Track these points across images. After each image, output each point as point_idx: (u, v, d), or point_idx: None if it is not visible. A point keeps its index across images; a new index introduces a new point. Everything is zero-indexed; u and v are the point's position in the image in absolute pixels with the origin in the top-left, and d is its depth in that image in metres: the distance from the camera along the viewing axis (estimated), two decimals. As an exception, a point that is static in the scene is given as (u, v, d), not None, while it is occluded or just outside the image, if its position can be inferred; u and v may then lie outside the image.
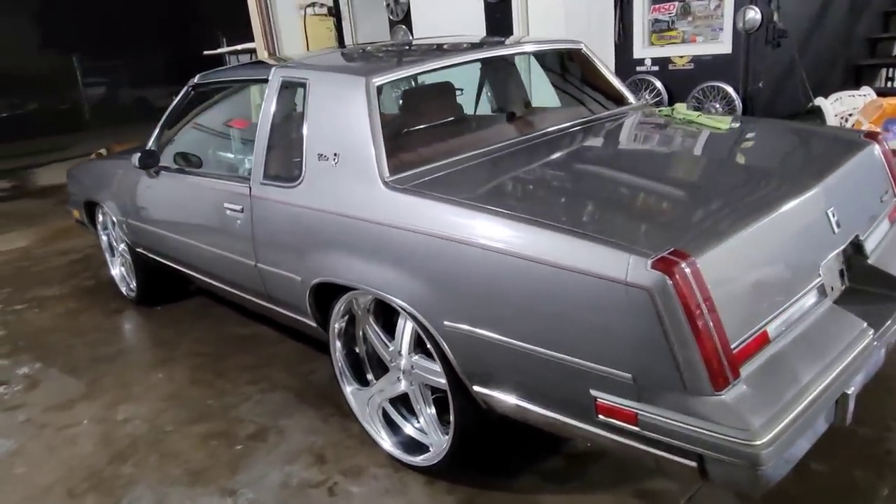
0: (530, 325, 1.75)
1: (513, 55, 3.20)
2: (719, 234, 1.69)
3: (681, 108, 2.85)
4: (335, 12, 6.85)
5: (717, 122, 2.72)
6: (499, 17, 5.20)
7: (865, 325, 1.83)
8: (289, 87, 2.61)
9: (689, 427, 1.53)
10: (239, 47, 8.45)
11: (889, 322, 1.92)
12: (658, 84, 4.95)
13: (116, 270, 4.03)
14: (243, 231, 2.61)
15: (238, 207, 2.62)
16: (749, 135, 2.73)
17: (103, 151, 7.47)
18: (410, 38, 6.20)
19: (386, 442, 2.32)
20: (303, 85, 2.49)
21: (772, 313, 1.72)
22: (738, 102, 4.51)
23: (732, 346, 1.59)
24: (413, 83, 3.18)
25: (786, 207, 1.88)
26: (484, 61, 3.10)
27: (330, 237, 2.27)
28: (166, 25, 16.91)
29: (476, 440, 2.19)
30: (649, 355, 1.56)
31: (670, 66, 4.93)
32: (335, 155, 2.28)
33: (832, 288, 1.97)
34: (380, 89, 2.32)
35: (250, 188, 2.56)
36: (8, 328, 3.79)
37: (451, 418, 2.07)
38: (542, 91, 3.39)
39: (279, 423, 2.58)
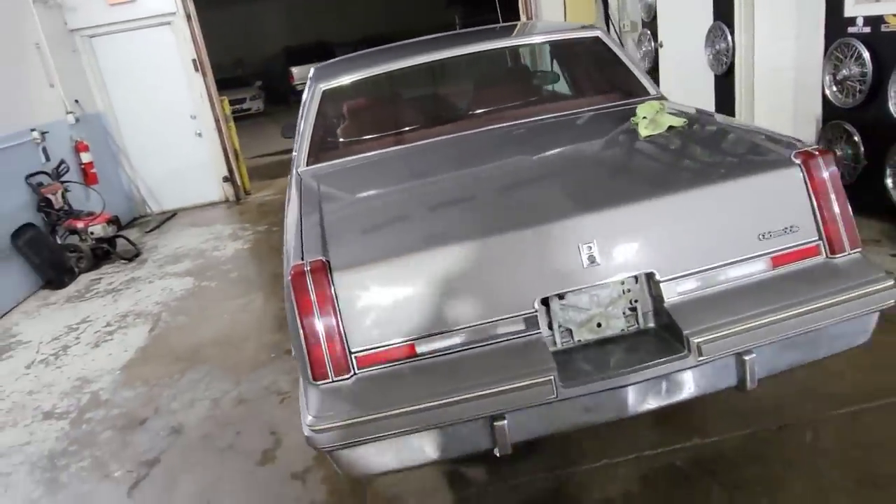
0: None
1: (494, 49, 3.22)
2: (376, 255, 1.92)
3: (649, 108, 2.62)
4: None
5: (659, 123, 2.50)
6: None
7: (551, 366, 1.81)
8: None
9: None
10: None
11: (606, 373, 1.83)
12: (864, 51, 4.01)
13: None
14: None
15: None
16: (660, 142, 2.45)
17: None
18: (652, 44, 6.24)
19: None
20: None
21: (421, 332, 1.88)
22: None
23: (353, 350, 1.87)
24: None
25: (494, 240, 1.93)
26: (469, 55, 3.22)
27: None
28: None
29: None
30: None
31: (883, 27, 3.93)
32: None
33: (560, 326, 1.94)
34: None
35: None
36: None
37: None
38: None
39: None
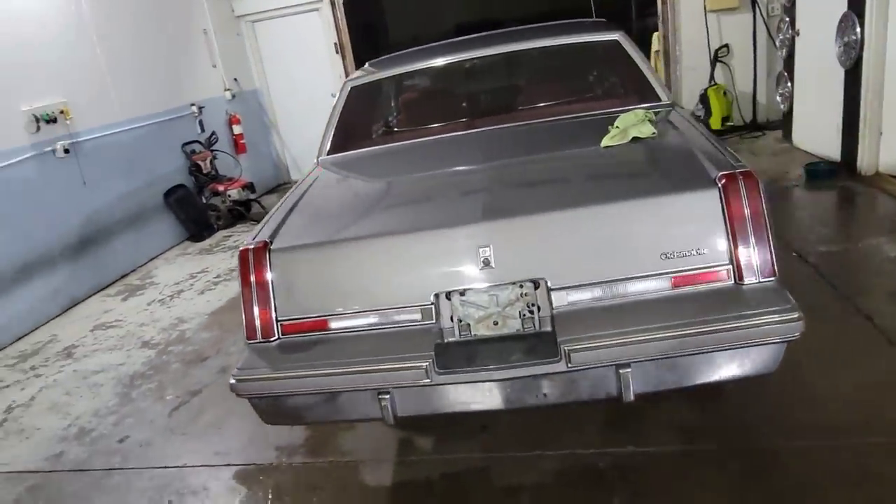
0: None
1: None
2: (307, 242, 2.25)
3: (632, 117, 2.63)
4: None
5: (626, 134, 2.53)
6: None
7: (429, 354, 2.02)
8: None
9: None
10: None
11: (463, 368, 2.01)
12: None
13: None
14: None
15: None
16: (611, 153, 2.49)
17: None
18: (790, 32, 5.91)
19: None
20: None
21: (335, 311, 2.19)
22: None
23: (279, 318, 2.22)
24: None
25: (403, 238, 2.18)
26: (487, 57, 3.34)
27: None
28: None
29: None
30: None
31: None
32: None
33: (460, 320, 2.14)
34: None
35: None
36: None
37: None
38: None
39: None
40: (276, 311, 2.20)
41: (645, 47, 7.88)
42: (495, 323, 2.13)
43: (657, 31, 7.74)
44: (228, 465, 2.83)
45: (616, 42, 3.08)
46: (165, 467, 2.90)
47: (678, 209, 2.06)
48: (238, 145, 7.84)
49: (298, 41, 8.34)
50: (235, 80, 7.99)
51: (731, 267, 2.00)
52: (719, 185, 2.01)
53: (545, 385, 2.02)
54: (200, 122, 7.16)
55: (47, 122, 5.06)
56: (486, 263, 2.06)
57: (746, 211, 1.99)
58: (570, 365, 1.92)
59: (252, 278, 2.21)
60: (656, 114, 2.78)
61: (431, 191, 2.52)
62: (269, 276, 2.21)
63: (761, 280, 1.99)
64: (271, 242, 2.25)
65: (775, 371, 1.99)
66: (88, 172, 5.44)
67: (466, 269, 2.08)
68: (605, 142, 2.51)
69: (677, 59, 7.43)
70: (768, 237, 1.99)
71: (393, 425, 2.14)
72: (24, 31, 5.04)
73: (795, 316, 1.87)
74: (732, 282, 2.00)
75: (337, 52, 8.22)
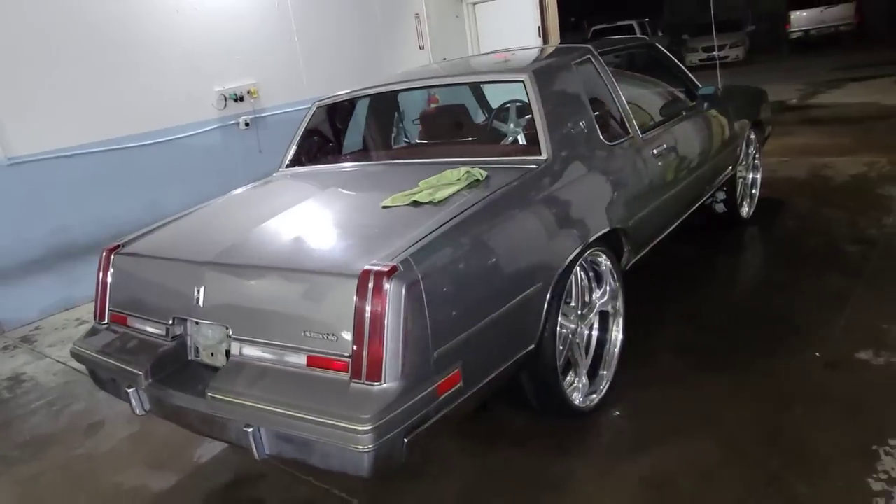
0: None
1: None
2: (134, 250, 2.74)
3: (449, 175, 2.47)
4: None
5: (410, 196, 2.46)
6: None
7: (145, 365, 2.41)
8: None
9: None
10: None
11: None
12: None
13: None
14: None
15: None
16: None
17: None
18: None
19: None
20: None
21: (128, 311, 2.67)
22: None
23: (110, 307, 2.81)
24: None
25: (162, 262, 2.55)
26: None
27: None
28: None
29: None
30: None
31: None
32: None
33: (194, 344, 2.46)
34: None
35: None
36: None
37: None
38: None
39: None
40: (109, 301, 2.78)
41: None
42: (212, 354, 2.39)
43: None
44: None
45: (521, 83, 2.80)
46: None
47: (325, 290, 2.04)
48: (434, 122, 8.48)
49: (511, 23, 8.51)
50: (444, 59, 8.56)
51: (349, 361, 1.94)
52: (358, 277, 1.94)
53: (201, 418, 2.25)
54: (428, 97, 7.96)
55: (235, 100, 6.34)
56: (198, 301, 2.33)
57: (369, 310, 1.89)
58: (209, 410, 2.14)
59: (100, 272, 2.82)
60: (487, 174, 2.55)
61: (231, 221, 2.79)
62: (109, 273, 2.79)
63: (365, 382, 1.89)
64: (122, 247, 2.81)
65: (370, 476, 1.91)
66: (265, 142, 6.65)
67: (190, 303, 2.37)
68: (387, 202, 2.45)
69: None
70: (384, 341, 1.87)
71: (141, 415, 2.56)
72: (224, 26, 6.32)
73: (361, 429, 1.79)
74: (348, 376, 1.94)
75: (539, 36, 8.19)
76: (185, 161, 6.03)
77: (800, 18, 17.76)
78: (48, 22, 5.14)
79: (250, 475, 2.74)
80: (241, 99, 6.39)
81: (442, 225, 2.16)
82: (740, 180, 4.65)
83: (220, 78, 6.29)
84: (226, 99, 6.29)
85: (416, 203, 2.40)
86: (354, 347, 1.92)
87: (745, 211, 4.82)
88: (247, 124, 6.48)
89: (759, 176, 5.02)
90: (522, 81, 2.81)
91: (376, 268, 1.92)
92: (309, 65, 7.01)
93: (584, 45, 3.20)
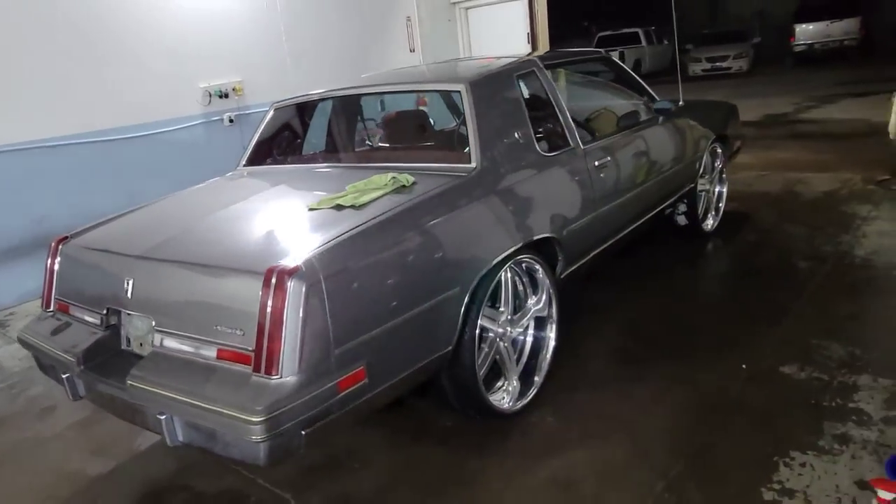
0: None
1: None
2: (83, 242, 2.83)
3: (377, 181, 2.56)
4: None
5: (334, 200, 2.55)
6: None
7: (78, 353, 2.51)
8: None
9: None
10: None
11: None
12: None
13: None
14: None
15: None
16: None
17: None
18: None
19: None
20: None
21: (72, 300, 2.77)
22: None
23: (55, 296, 2.91)
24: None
25: (100, 253, 2.65)
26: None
27: None
28: None
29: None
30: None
31: None
32: None
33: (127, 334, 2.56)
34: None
35: None
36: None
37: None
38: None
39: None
40: (55, 290, 2.89)
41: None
42: (140, 344, 2.49)
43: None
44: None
45: (458, 92, 2.89)
46: None
47: (232, 286, 2.14)
48: (423, 124, 8.58)
49: (502, 27, 8.59)
50: (434, 62, 8.67)
51: (252, 355, 2.04)
52: (264, 274, 2.03)
53: (123, 405, 2.35)
54: (381, 102, 8.05)
55: (220, 97, 6.46)
56: (127, 293, 2.43)
57: (271, 305, 1.99)
58: (130, 396, 2.24)
59: (48, 260, 2.92)
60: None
61: (172, 217, 2.88)
62: (56, 262, 2.89)
63: (264, 376, 1.99)
64: (70, 238, 2.92)
65: (267, 466, 2.01)
66: (248, 138, 6.74)
67: (122, 294, 2.47)
68: (314, 204, 2.54)
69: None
70: (282, 336, 1.97)
71: (73, 400, 2.67)
72: (211, 23, 6.42)
73: (254, 419, 1.88)
74: (251, 370, 2.04)
75: (528, 43, 8.27)
76: (167, 155, 6.15)
77: (804, 32, 17.72)
78: (31, 12, 5.27)
79: (186, 464, 2.84)
80: (226, 96, 6.51)
81: (354, 228, 2.25)
82: (703, 193, 4.70)
83: (205, 74, 6.41)
84: (210, 95, 6.41)
85: (339, 206, 2.49)
86: (257, 342, 2.02)
87: (708, 224, 4.88)
88: (231, 121, 6.59)
89: (724, 189, 5.08)
90: (459, 91, 2.90)
91: (279, 266, 2.01)
92: (297, 65, 7.12)
93: (530, 58, 3.27)
